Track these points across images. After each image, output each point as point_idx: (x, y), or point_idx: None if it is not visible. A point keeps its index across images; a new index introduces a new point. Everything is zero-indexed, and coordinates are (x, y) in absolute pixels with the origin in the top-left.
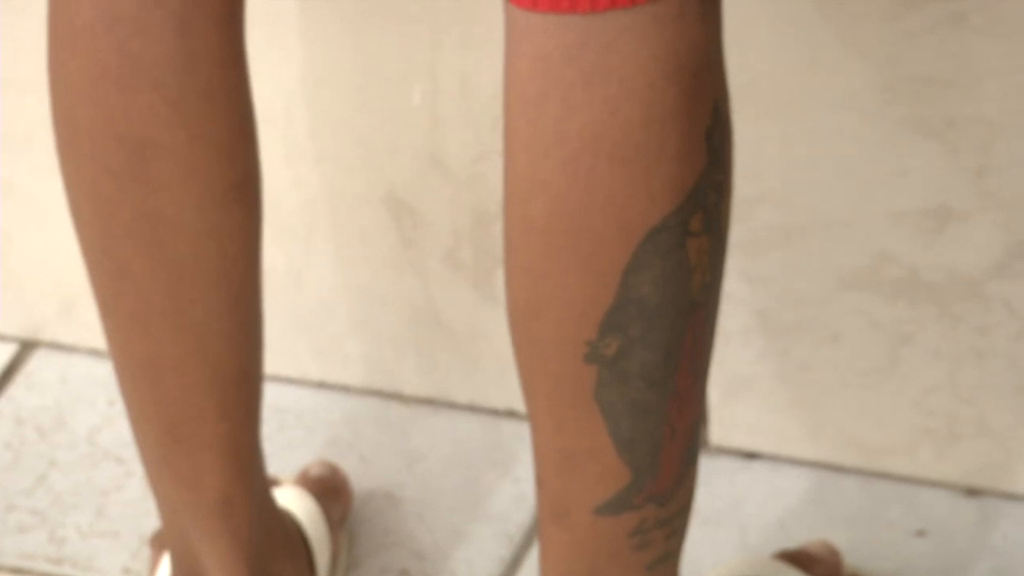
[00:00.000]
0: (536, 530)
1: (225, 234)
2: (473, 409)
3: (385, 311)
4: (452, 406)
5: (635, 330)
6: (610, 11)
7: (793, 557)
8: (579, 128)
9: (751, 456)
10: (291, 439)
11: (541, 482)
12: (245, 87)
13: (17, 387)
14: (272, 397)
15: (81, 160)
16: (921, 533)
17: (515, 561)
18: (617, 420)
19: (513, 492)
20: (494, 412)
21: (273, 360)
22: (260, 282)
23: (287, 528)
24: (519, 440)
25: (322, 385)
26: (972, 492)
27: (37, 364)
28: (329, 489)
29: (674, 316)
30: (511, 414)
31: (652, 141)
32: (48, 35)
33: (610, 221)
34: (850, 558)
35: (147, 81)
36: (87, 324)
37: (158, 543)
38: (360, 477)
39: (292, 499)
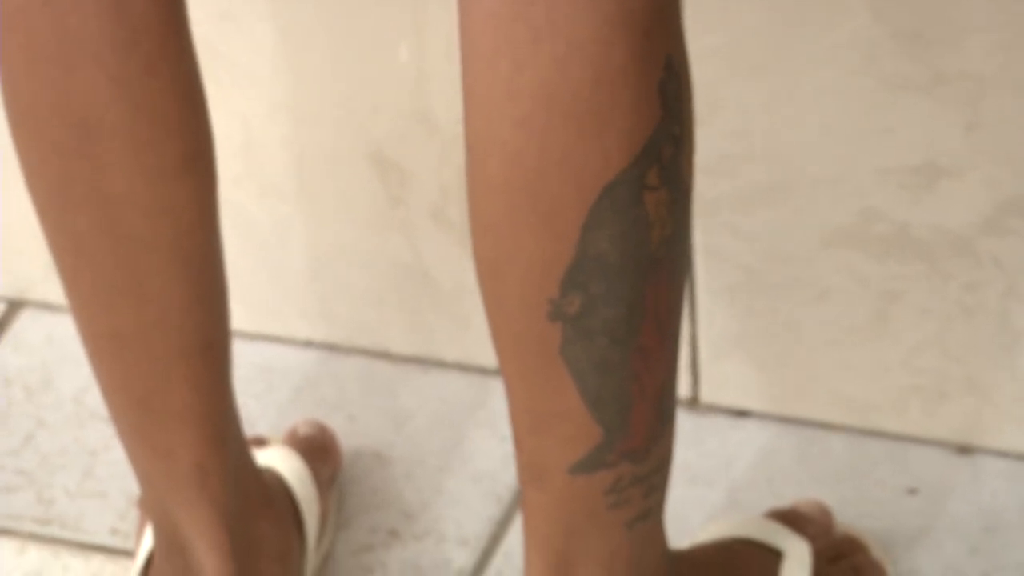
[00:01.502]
0: None
1: (178, 207)
2: (461, 368)
3: (372, 270)
4: (440, 365)
5: (596, 287)
6: None
7: (784, 516)
8: (530, 86)
9: (740, 414)
10: (278, 399)
11: (518, 444)
12: (190, 60)
13: (4, 347)
14: (259, 356)
15: (29, 139)
16: (912, 491)
17: (504, 520)
18: (584, 378)
19: (502, 451)
20: (482, 371)
21: (260, 319)
22: (220, 251)
23: (269, 491)
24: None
25: (309, 344)
26: (962, 449)
27: (24, 324)
28: (317, 448)
29: (635, 272)
30: (499, 373)
31: (603, 98)
32: None
33: (566, 178)
34: (840, 516)
35: (86, 57)
36: None
37: (145, 506)
38: (348, 436)
39: (280, 459)
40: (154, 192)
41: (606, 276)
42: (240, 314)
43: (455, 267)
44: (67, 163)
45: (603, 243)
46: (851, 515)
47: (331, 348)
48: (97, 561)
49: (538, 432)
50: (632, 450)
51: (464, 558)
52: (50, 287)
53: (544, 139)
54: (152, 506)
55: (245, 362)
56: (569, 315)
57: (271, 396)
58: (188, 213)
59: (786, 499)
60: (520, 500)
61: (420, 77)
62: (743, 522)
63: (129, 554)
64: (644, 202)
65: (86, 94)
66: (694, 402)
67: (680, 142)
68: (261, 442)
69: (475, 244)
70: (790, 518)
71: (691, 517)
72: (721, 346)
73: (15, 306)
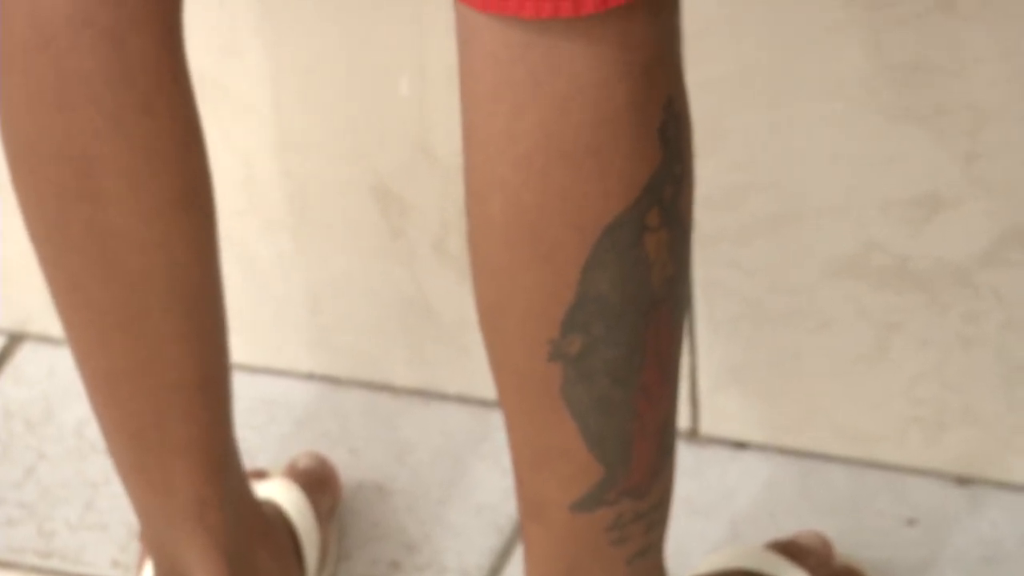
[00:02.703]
0: None
1: (175, 245)
2: (463, 400)
3: (374, 302)
4: (442, 397)
5: (597, 328)
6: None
7: (784, 547)
8: (530, 127)
9: (740, 446)
10: (280, 431)
11: (518, 480)
12: (187, 98)
13: (5, 380)
14: (260, 389)
15: (27, 178)
16: (911, 522)
17: (505, 552)
18: (585, 418)
19: (503, 483)
20: (484, 403)
21: (261, 352)
22: (218, 287)
23: (269, 523)
24: None
25: (311, 376)
26: (961, 480)
27: (25, 357)
28: (317, 481)
29: (636, 313)
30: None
31: (604, 139)
32: None
33: (566, 219)
34: (840, 547)
35: (84, 97)
36: None
37: (145, 539)
38: (350, 469)
39: (280, 491)
40: (151, 230)
41: (607, 317)
42: (242, 347)
43: (457, 299)
44: (65, 202)
45: (604, 284)
46: (851, 546)
47: (332, 381)
48: None
49: (538, 469)
50: (633, 487)
51: None
52: (51, 320)
53: (544, 180)
54: (151, 540)
55: (246, 395)
56: (570, 356)
57: (272, 428)
58: (185, 249)
59: (786, 531)
60: (522, 536)
61: (422, 110)
62: (743, 553)
63: None
64: (645, 243)
65: (84, 132)
66: (694, 434)
67: (680, 181)
68: (261, 475)
69: (475, 284)
70: (790, 549)
71: (691, 549)
72: (721, 378)
73: (16, 339)
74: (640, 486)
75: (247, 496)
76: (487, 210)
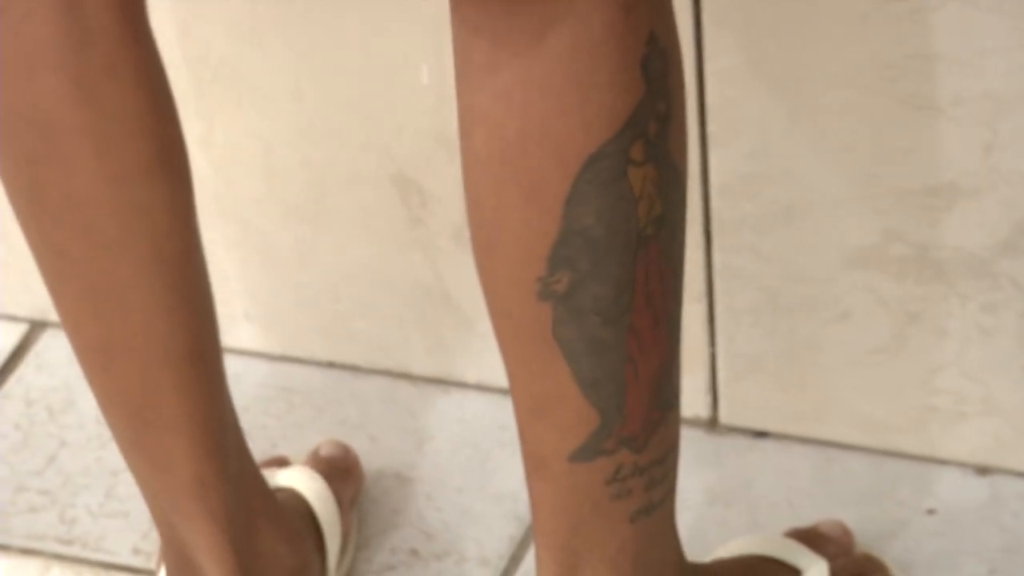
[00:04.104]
0: None
1: (152, 209)
2: (482, 388)
3: (393, 290)
4: (461, 385)
5: (584, 264)
6: None
7: (804, 535)
8: (508, 59)
9: (760, 435)
10: (300, 419)
11: (521, 433)
12: (152, 62)
13: (26, 367)
14: (281, 377)
15: (2, 149)
16: (931, 511)
17: (524, 540)
18: (578, 359)
19: (522, 471)
20: (503, 391)
21: (282, 340)
22: (201, 256)
23: (277, 506)
24: None
25: (331, 365)
26: (982, 470)
27: (46, 344)
28: (340, 469)
29: (622, 248)
30: None
31: (581, 69)
32: None
33: (547, 151)
34: (860, 537)
35: (45, 62)
36: None
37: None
38: (369, 457)
39: (301, 479)
40: (125, 195)
41: (593, 252)
42: (262, 335)
43: (476, 288)
44: (38, 169)
45: (588, 217)
46: (870, 535)
47: (352, 369)
48: None
49: (538, 419)
50: (630, 436)
51: None
52: None
53: (524, 111)
54: (159, 520)
55: (266, 383)
56: (558, 293)
57: (293, 417)
58: (163, 215)
59: (805, 519)
60: (528, 496)
61: (441, 98)
62: (763, 540)
63: (151, 574)
64: (629, 177)
65: (49, 98)
66: (714, 423)
67: (667, 120)
68: (283, 462)
69: (469, 224)
70: (810, 537)
71: (711, 537)
72: (740, 367)
73: (37, 327)
74: (637, 436)
75: (251, 476)
76: (473, 146)
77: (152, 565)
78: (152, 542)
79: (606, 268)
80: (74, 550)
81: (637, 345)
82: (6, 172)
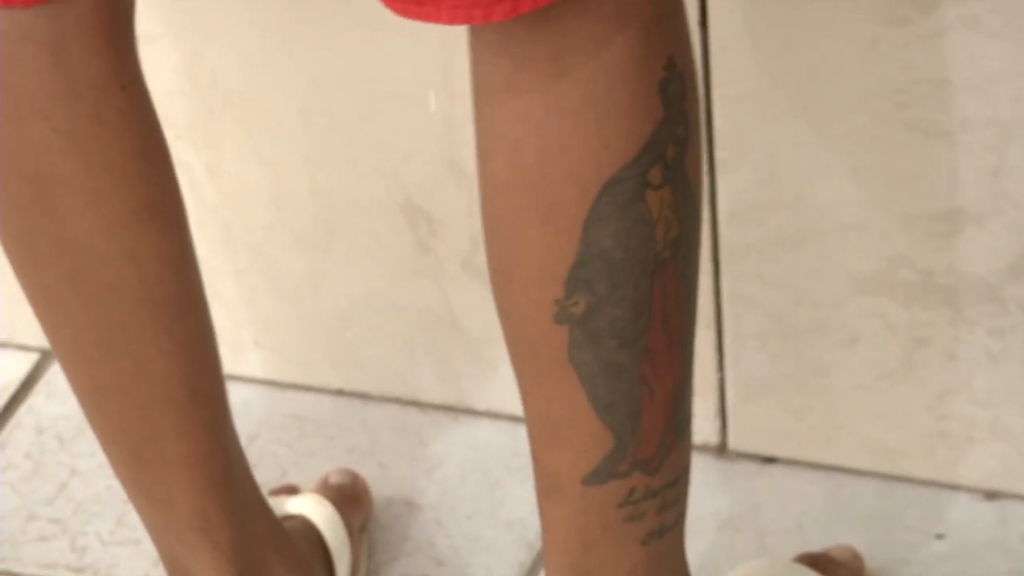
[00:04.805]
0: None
1: (143, 257)
2: (491, 415)
3: (402, 317)
4: (470, 412)
5: (601, 287)
6: None
7: (814, 560)
8: (528, 81)
9: (769, 460)
10: (310, 447)
11: (533, 455)
12: (141, 109)
13: (37, 396)
14: (290, 405)
15: None
16: (939, 536)
17: (534, 566)
18: (593, 382)
19: (531, 498)
20: (512, 418)
21: (291, 368)
22: (198, 298)
23: (285, 537)
24: None
25: (340, 392)
26: (990, 495)
27: (57, 373)
28: (349, 497)
29: (640, 271)
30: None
31: (600, 93)
32: None
33: (566, 174)
34: (869, 562)
35: (33, 112)
36: None
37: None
38: (379, 484)
39: (311, 507)
40: (115, 243)
41: (611, 275)
42: (272, 363)
43: (485, 315)
44: (28, 216)
45: (606, 240)
46: (879, 560)
47: (361, 396)
48: None
49: (552, 442)
50: (644, 460)
51: None
52: None
53: (543, 133)
54: (164, 555)
55: (276, 410)
56: (575, 317)
57: (303, 444)
58: (154, 261)
59: (814, 545)
60: (540, 517)
61: (449, 125)
62: (773, 565)
63: None
64: (647, 200)
65: (37, 147)
66: (722, 448)
67: (685, 144)
68: (293, 490)
69: (487, 250)
70: (821, 562)
71: (720, 562)
72: (748, 392)
73: (48, 356)
74: (651, 459)
75: (258, 509)
76: (491, 168)
77: None
78: (162, 570)
79: (624, 291)
80: None
81: (652, 367)
82: None
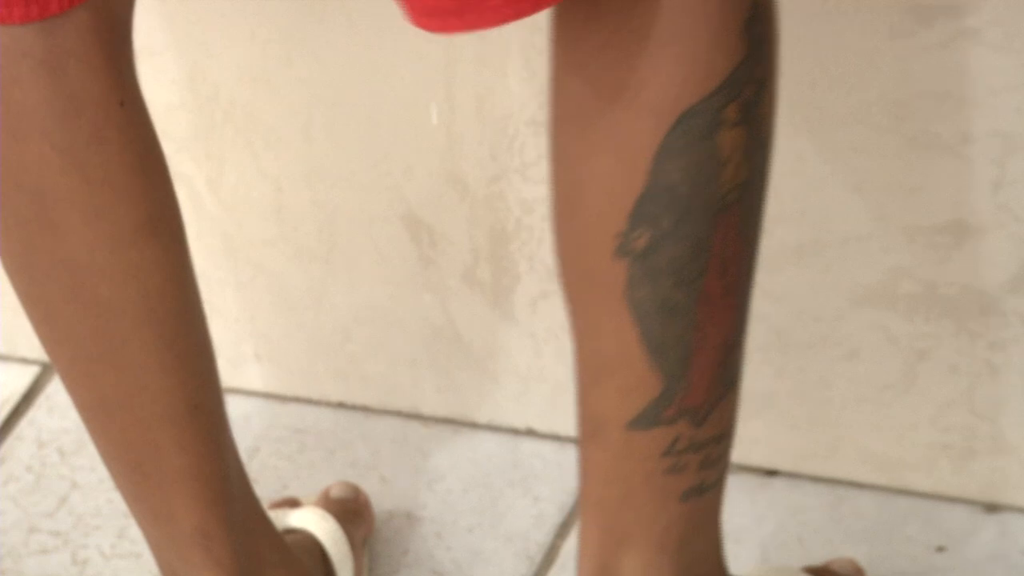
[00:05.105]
0: (556, 548)
1: (143, 272)
2: (492, 428)
3: (404, 331)
4: (471, 425)
5: (665, 222)
6: None
7: (817, 573)
8: (610, 12)
9: (770, 473)
10: (311, 460)
11: (580, 396)
12: (140, 126)
13: (38, 410)
14: (292, 418)
15: None
16: (940, 549)
17: None
18: (647, 321)
19: (533, 511)
20: (513, 431)
21: (292, 381)
22: (197, 313)
23: (286, 552)
24: (538, 459)
25: (341, 405)
26: (991, 507)
27: (57, 387)
28: (351, 511)
29: (704, 210)
30: (531, 433)
31: (684, 24)
32: None
33: (643, 104)
34: (870, 574)
35: (33, 129)
36: None
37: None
38: (380, 497)
39: (313, 521)
40: (116, 259)
41: (676, 210)
42: (273, 376)
43: (486, 328)
44: (28, 233)
45: (675, 174)
46: (880, 573)
47: (363, 409)
48: None
49: (599, 381)
50: (692, 407)
51: None
52: None
53: (622, 64)
54: (164, 570)
55: (277, 423)
56: (636, 251)
57: (304, 458)
58: (154, 277)
59: (816, 558)
60: (579, 461)
61: (451, 139)
62: (779, 572)
63: None
64: (720, 138)
65: (37, 164)
66: None
67: (763, 86)
68: (294, 504)
69: (552, 178)
70: (823, 575)
71: None
72: (750, 405)
73: (48, 369)
74: (699, 408)
75: (257, 523)
76: (565, 95)
77: None
78: None
79: (686, 228)
80: None
81: (707, 312)
82: None
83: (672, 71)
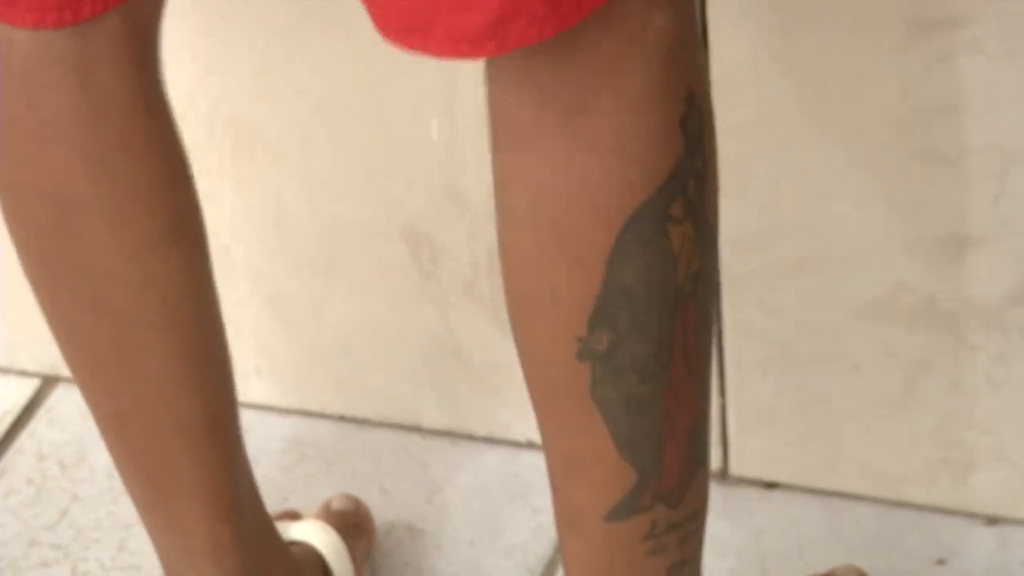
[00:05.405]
0: (555, 561)
1: (163, 281)
2: (492, 441)
3: (404, 344)
4: (471, 438)
5: (624, 323)
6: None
7: None
8: (552, 118)
9: (770, 486)
10: (311, 472)
11: (554, 490)
12: (166, 133)
13: (39, 422)
14: (292, 431)
15: (14, 217)
16: (941, 562)
17: None
18: (615, 418)
19: (532, 524)
20: (513, 444)
21: (293, 394)
22: (216, 324)
23: (295, 565)
24: (538, 472)
25: (342, 418)
26: (991, 521)
27: (58, 399)
28: (352, 523)
29: (662, 306)
30: (530, 446)
31: (626, 129)
32: None
33: (591, 210)
34: None
35: (57, 135)
36: None
37: None
38: (380, 510)
39: (315, 533)
40: (137, 267)
41: (633, 311)
42: (273, 389)
43: (486, 341)
44: (49, 241)
45: (629, 277)
46: None
47: (363, 422)
48: None
49: (572, 476)
50: (666, 493)
51: None
52: None
53: (568, 173)
54: None
55: (278, 436)
56: (598, 353)
57: (304, 470)
58: (175, 287)
59: (816, 571)
60: (561, 549)
61: (451, 153)
62: None
63: None
64: (669, 235)
65: (61, 171)
66: (724, 474)
67: (704, 177)
68: (295, 516)
69: (505, 283)
70: None
71: None
72: (750, 419)
73: (49, 382)
74: (673, 492)
75: (268, 537)
76: (514, 206)
77: None
78: None
79: (647, 327)
80: None
81: (674, 401)
82: (18, 241)
83: (616, 176)
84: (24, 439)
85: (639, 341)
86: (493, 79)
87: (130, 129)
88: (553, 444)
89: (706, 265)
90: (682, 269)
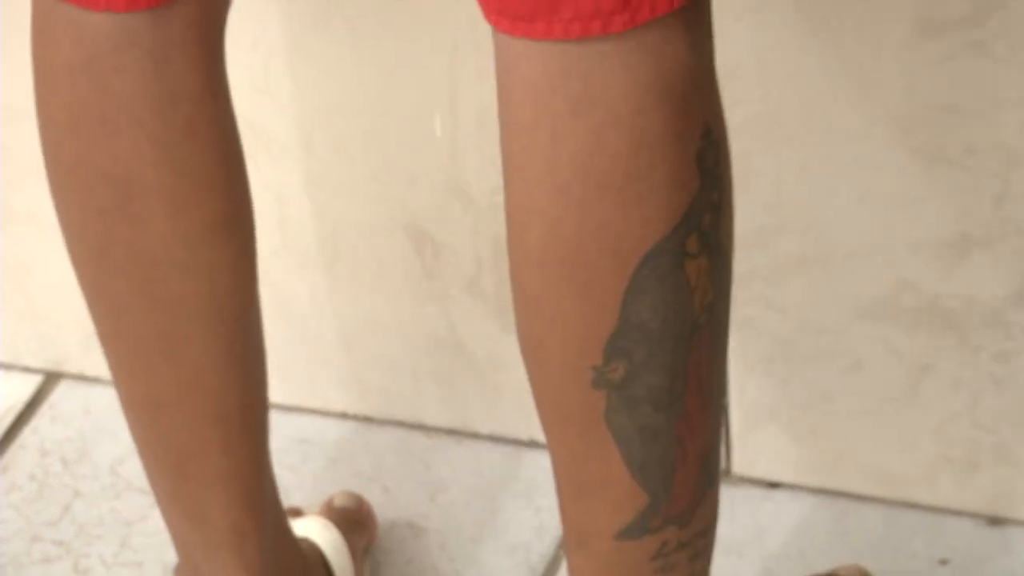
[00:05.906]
0: (558, 559)
1: (216, 270)
2: (495, 439)
3: (407, 341)
4: (474, 436)
5: (639, 355)
6: (590, 39)
7: None
8: (568, 157)
9: (773, 486)
10: (314, 470)
11: (563, 510)
12: (229, 122)
13: (41, 419)
14: (294, 428)
15: (70, 199)
16: (944, 562)
17: None
18: (629, 444)
19: (535, 522)
20: (516, 442)
21: (295, 391)
22: (258, 315)
23: (305, 559)
24: (541, 470)
25: (344, 416)
26: (994, 521)
27: (61, 396)
28: (353, 520)
29: (677, 339)
30: (533, 444)
31: (641, 168)
32: (33, 73)
33: (605, 248)
34: None
35: (128, 119)
36: None
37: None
38: (383, 507)
39: (316, 530)
40: (192, 254)
41: (649, 344)
42: (276, 386)
43: (489, 339)
44: (108, 225)
45: (645, 311)
46: None
47: (366, 420)
48: None
49: (583, 498)
50: (677, 515)
51: None
52: (87, 359)
53: (582, 209)
54: (186, 571)
55: (280, 434)
56: (613, 382)
57: (306, 467)
58: (226, 276)
59: (818, 571)
60: (567, 566)
61: (454, 150)
62: None
63: None
64: (685, 269)
65: (128, 155)
66: (727, 474)
67: (719, 209)
68: (297, 513)
69: (517, 314)
70: None
71: None
72: (754, 418)
73: (52, 378)
74: (684, 513)
75: (284, 531)
76: (526, 240)
77: None
78: None
79: (661, 359)
80: None
81: (687, 428)
82: (72, 223)
83: (632, 214)
84: (27, 435)
85: (654, 372)
86: (509, 113)
87: (198, 115)
88: (563, 468)
89: (720, 295)
90: (698, 302)
